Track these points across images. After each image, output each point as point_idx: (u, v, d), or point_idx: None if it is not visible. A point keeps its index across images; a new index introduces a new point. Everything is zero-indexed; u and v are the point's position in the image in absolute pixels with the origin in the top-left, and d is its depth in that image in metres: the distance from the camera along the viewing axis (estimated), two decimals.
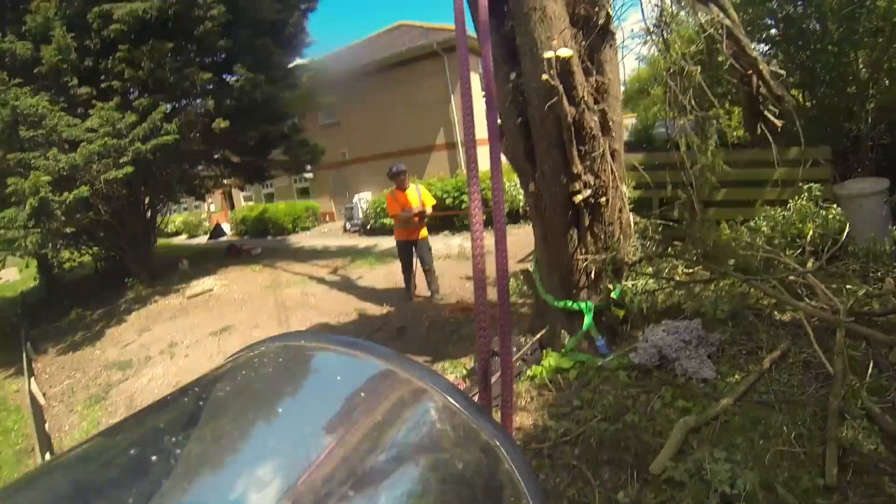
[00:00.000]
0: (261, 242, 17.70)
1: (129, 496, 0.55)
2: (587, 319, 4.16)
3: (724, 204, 6.74)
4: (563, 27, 3.67)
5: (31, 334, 10.35)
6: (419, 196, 7.31)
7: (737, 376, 3.30)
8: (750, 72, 3.92)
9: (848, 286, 3.89)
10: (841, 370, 2.80)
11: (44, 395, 7.34)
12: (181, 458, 0.64)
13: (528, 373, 4.03)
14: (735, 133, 9.51)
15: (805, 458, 2.46)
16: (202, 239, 23.18)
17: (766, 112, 4.13)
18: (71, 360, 8.66)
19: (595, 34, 3.85)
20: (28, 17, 8.59)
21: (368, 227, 16.62)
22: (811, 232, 4.70)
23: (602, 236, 4.19)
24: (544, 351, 4.31)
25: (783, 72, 4.40)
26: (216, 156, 12.45)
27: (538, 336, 4.44)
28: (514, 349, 4.29)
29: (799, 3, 7.26)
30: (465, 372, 5.13)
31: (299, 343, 0.98)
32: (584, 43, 3.83)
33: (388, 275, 9.85)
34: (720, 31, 3.89)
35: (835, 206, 5.17)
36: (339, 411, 0.76)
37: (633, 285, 4.50)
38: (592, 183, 3.94)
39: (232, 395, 0.82)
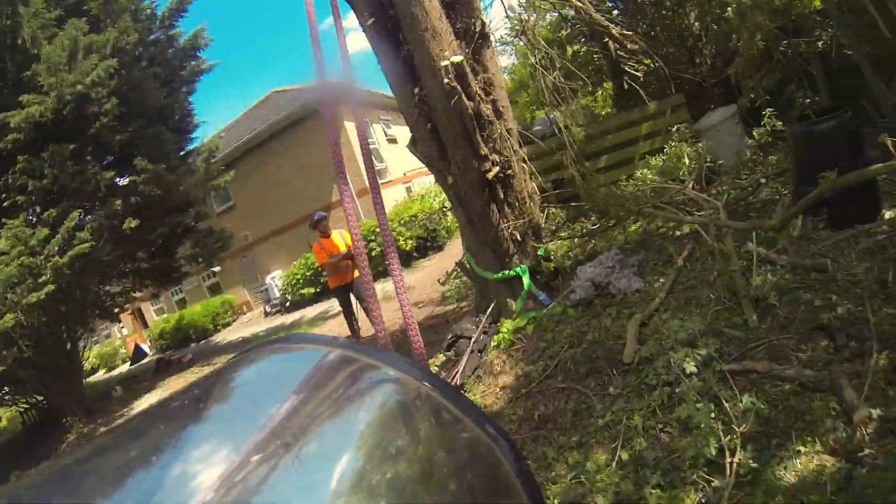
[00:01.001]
0: (188, 350, 16.85)
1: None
2: (526, 280, 4.74)
3: (610, 168, 7.61)
4: (450, 39, 4.38)
5: None
6: (343, 240, 7.29)
7: (661, 280, 4.02)
8: (605, 39, 4.77)
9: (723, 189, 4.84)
10: (732, 247, 3.57)
11: None
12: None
13: (493, 343, 4.54)
14: (604, 111, 10.75)
15: (730, 311, 3.18)
16: (123, 367, 21.24)
17: (626, 68, 5.01)
18: None
19: (475, 41, 4.59)
20: None
21: (288, 303, 16.30)
22: (686, 164, 5.65)
23: (517, 204, 4.84)
24: (499, 322, 4.82)
25: (630, 32, 5.33)
26: (127, 267, 11.93)
27: (489, 310, 4.98)
28: (474, 326, 4.84)
29: None
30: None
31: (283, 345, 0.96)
32: (467, 49, 4.54)
33: (328, 333, 9.99)
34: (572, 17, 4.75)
35: (699, 140, 6.20)
36: (334, 412, 0.74)
37: (555, 249, 5.27)
38: (498, 160, 4.61)
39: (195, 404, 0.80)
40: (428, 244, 13.17)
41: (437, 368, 4.90)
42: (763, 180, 4.81)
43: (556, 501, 2.52)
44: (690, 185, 5.22)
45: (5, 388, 11.39)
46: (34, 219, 8.58)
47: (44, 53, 8.34)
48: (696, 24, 8.33)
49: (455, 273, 7.94)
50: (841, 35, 5.14)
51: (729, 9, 6.12)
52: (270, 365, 0.88)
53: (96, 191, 9.22)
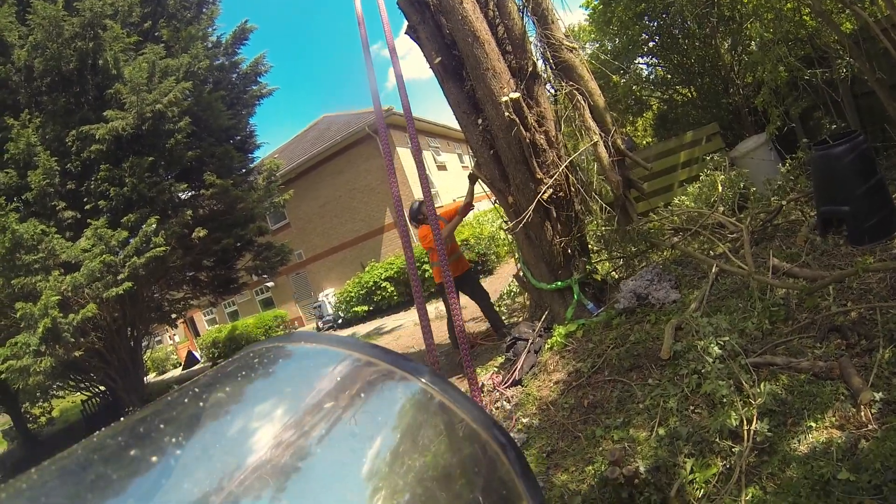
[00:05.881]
0: None
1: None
2: (576, 290, 5.28)
3: (650, 195, 8.07)
4: (507, 78, 5.04)
5: None
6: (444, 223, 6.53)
7: (696, 293, 4.50)
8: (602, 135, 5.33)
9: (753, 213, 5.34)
10: (752, 264, 4.06)
11: None
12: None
13: (546, 346, 5.07)
14: (644, 140, 11.25)
15: (759, 313, 3.65)
16: (175, 372, 22.22)
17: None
18: None
19: (528, 78, 5.20)
20: (10, 145, 8.89)
21: (340, 320, 16.64)
22: (719, 190, 6.12)
23: (567, 222, 5.40)
24: (552, 328, 5.33)
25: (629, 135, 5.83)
26: (189, 274, 12.61)
27: (544, 317, 5.51)
28: (530, 330, 5.37)
29: (664, 14, 9.05)
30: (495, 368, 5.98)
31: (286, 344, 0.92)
32: (521, 86, 5.15)
33: (387, 344, 10.22)
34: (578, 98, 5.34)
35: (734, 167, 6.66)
36: (327, 409, 0.72)
37: (600, 267, 5.90)
38: (551, 184, 5.18)
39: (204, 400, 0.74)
40: (479, 267, 13.61)
41: (496, 368, 5.46)
42: (783, 203, 5.30)
43: (603, 462, 3.02)
44: (720, 210, 5.69)
45: (76, 374, 12.17)
46: (114, 224, 9.23)
47: (126, 74, 9.18)
48: (728, 55, 8.81)
49: (510, 290, 8.43)
50: (855, 63, 5.53)
51: (752, 43, 6.57)
52: (271, 365, 0.84)
53: (170, 200, 10.00)
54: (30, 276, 8.35)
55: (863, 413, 2.51)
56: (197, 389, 0.72)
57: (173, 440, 0.63)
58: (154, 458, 0.59)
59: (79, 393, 13.89)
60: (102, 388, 13.16)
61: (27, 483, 0.53)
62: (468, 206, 6.36)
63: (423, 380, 0.74)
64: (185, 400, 0.70)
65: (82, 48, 9.29)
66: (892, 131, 5.52)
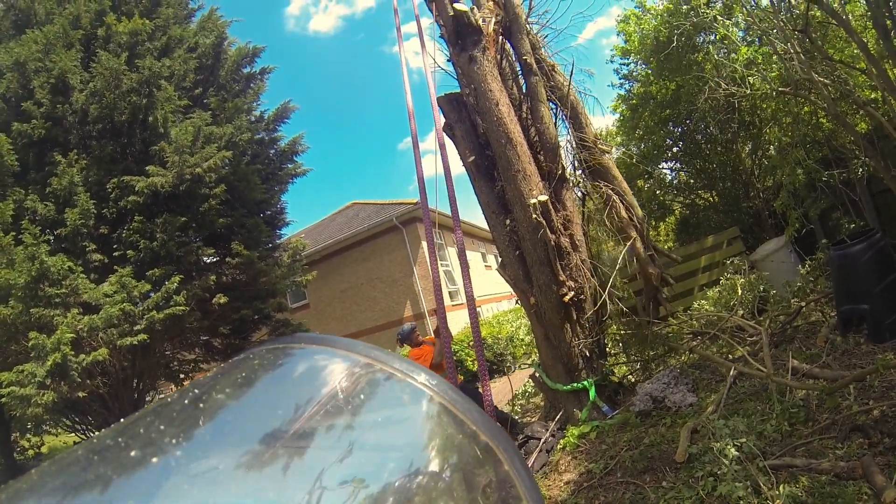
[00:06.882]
0: None
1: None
2: (591, 392, 5.22)
3: (672, 299, 8.08)
4: (537, 180, 5.27)
5: None
6: (432, 347, 6.89)
7: (713, 396, 4.42)
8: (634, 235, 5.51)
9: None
10: (771, 366, 4.01)
11: None
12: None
13: (559, 446, 4.96)
14: (667, 245, 11.41)
15: (778, 415, 3.56)
16: None
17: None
18: None
19: (556, 181, 5.44)
20: (54, 180, 9.13)
21: None
22: (739, 293, 6.13)
23: (587, 325, 5.42)
24: (566, 428, 5.24)
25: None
26: (204, 338, 12.57)
27: (557, 417, 5.42)
28: (543, 429, 5.26)
29: (688, 120, 9.43)
30: None
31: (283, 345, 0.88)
32: (549, 189, 5.35)
33: None
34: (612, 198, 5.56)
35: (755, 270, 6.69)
36: (324, 409, 0.72)
37: (617, 370, 5.90)
38: (574, 286, 5.26)
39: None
40: (494, 367, 13.47)
41: None
42: (803, 305, 5.30)
43: None
44: (740, 314, 5.67)
45: (73, 415, 11.79)
46: (139, 275, 9.29)
47: (173, 134, 9.63)
48: (748, 159, 9.06)
49: (524, 390, 8.41)
50: (871, 162, 5.64)
51: (772, 147, 6.78)
52: (271, 366, 0.84)
53: (196, 263, 10.15)
54: (49, 309, 8.36)
55: None
56: (197, 391, 0.72)
57: (173, 441, 0.62)
58: (154, 459, 0.58)
59: (73, 434, 13.62)
60: (98, 433, 12.84)
61: (27, 483, 0.52)
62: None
63: (423, 381, 0.72)
64: (186, 401, 0.70)
65: (136, 103, 9.84)
66: None
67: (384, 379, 0.74)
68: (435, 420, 0.73)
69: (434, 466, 0.69)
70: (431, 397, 0.71)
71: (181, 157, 9.52)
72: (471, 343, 13.75)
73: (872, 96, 6.38)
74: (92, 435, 9.87)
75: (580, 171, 5.88)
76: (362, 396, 0.74)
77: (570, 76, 5.85)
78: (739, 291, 6.14)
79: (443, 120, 6.06)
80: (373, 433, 0.72)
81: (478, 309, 19.15)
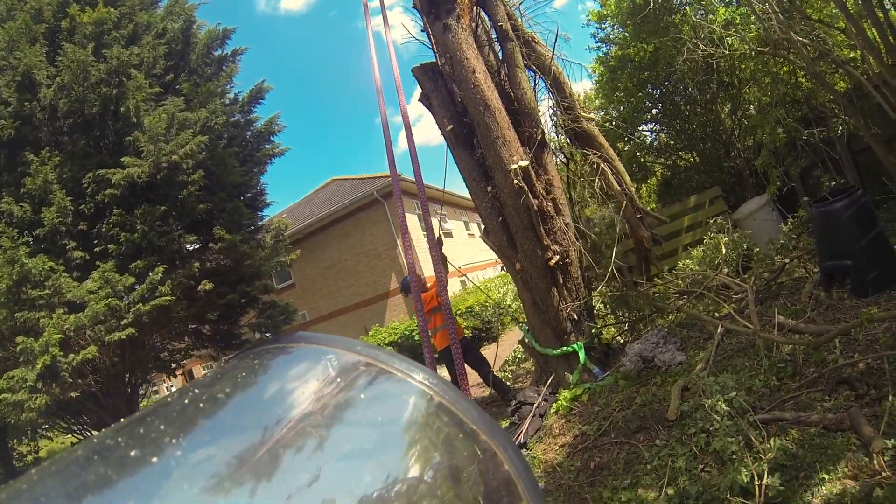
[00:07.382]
0: None
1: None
2: (581, 355, 5.28)
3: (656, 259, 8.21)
4: (517, 146, 5.22)
5: None
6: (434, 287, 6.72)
7: (702, 354, 4.50)
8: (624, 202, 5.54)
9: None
10: (757, 322, 4.09)
11: None
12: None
13: (552, 410, 5.03)
14: (649, 206, 11.49)
15: (766, 371, 3.65)
16: None
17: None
18: None
19: (536, 146, 5.39)
20: (28, 180, 8.94)
21: None
22: (723, 252, 6.21)
23: (574, 288, 5.46)
24: (558, 392, 5.31)
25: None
26: (192, 326, 12.46)
27: (549, 382, 5.48)
28: (535, 394, 5.33)
29: (666, 81, 9.41)
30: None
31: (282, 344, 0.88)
32: (530, 154, 5.32)
33: None
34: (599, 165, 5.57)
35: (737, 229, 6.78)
36: (321, 407, 0.69)
37: (606, 332, 5.96)
38: (558, 250, 5.27)
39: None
40: (483, 335, 13.62)
41: None
42: (787, 261, 5.39)
43: None
44: (725, 272, 5.76)
45: (68, 416, 11.79)
46: (122, 269, 9.17)
47: (146, 123, 9.38)
48: (728, 119, 9.12)
49: (514, 356, 8.47)
50: (851, 120, 5.71)
51: (751, 106, 6.83)
52: (270, 365, 0.81)
53: (178, 251, 10.00)
54: (34, 312, 8.27)
55: (876, 461, 2.47)
56: (197, 390, 0.71)
57: (173, 440, 0.62)
58: (154, 459, 0.58)
59: (69, 435, 13.58)
60: (94, 432, 12.84)
61: (27, 483, 0.52)
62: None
63: (422, 380, 0.72)
64: (185, 401, 0.70)
65: (106, 94, 9.59)
66: (890, 184, 5.63)
67: (383, 378, 0.75)
68: (434, 419, 0.73)
69: (433, 466, 0.69)
70: (431, 396, 0.72)
71: (156, 146, 9.29)
72: (458, 313, 13.84)
73: (851, 55, 6.43)
74: (88, 434, 9.96)
75: (563, 136, 5.86)
76: (361, 395, 0.74)
77: (555, 44, 5.78)
78: (723, 250, 6.22)
79: (419, 91, 5.97)
80: (372, 432, 0.71)
81: (463, 278, 19.54)
